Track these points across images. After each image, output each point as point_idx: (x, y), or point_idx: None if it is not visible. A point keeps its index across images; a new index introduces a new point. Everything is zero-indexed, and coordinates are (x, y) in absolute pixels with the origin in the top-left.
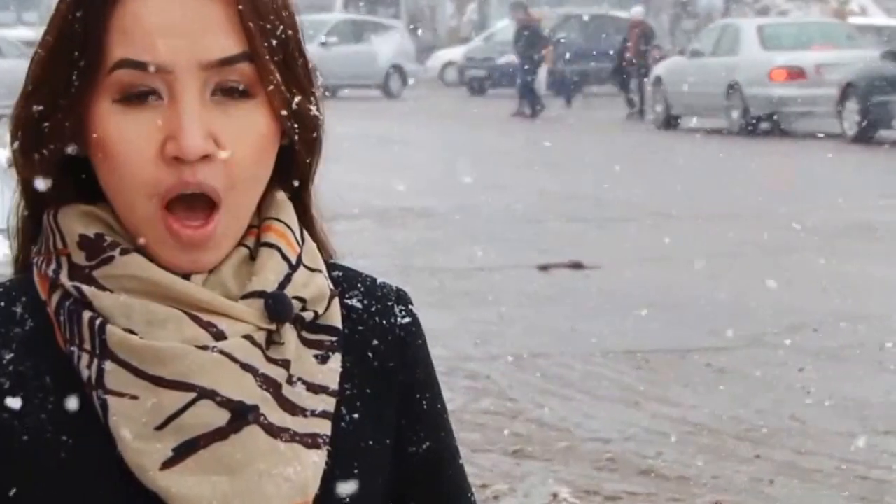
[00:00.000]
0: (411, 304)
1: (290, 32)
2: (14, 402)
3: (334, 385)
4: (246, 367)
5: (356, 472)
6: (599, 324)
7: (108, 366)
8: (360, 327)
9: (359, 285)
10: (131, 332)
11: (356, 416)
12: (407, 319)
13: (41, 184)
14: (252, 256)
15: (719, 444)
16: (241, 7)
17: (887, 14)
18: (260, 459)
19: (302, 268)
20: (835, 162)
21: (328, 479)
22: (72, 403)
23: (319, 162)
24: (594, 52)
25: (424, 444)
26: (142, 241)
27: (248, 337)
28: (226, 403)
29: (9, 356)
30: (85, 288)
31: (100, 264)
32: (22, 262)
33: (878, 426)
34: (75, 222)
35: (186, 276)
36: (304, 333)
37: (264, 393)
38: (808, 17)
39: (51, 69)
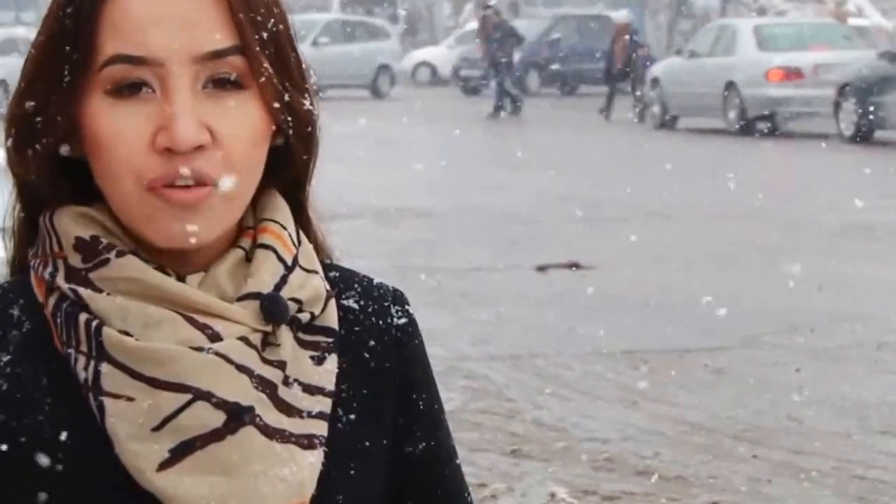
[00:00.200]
0: (408, 304)
1: (280, 27)
2: (12, 405)
3: (330, 386)
4: (241, 369)
5: (353, 472)
6: (597, 324)
7: (105, 368)
8: (357, 328)
9: (355, 286)
10: (127, 333)
11: (353, 416)
12: (403, 320)
13: (37, 186)
14: (248, 258)
15: (717, 444)
16: (230, 0)
17: (884, 15)
18: (256, 460)
19: (298, 269)
20: (832, 162)
21: (325, 480)
22: (69, 405)
23: (316, 161)
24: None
25: (421, 444)
26: (133, 211)
27: (243, 338)
28: (222, 405)
29: (6, 358)
30: (81, 290)
31: (96, 266)
32: (18, 264)
33: (876, 426)
34: (71, 224)
35: (182, 278)
36: (301, 335)
37: (260, 394)
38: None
39: (43, 66)
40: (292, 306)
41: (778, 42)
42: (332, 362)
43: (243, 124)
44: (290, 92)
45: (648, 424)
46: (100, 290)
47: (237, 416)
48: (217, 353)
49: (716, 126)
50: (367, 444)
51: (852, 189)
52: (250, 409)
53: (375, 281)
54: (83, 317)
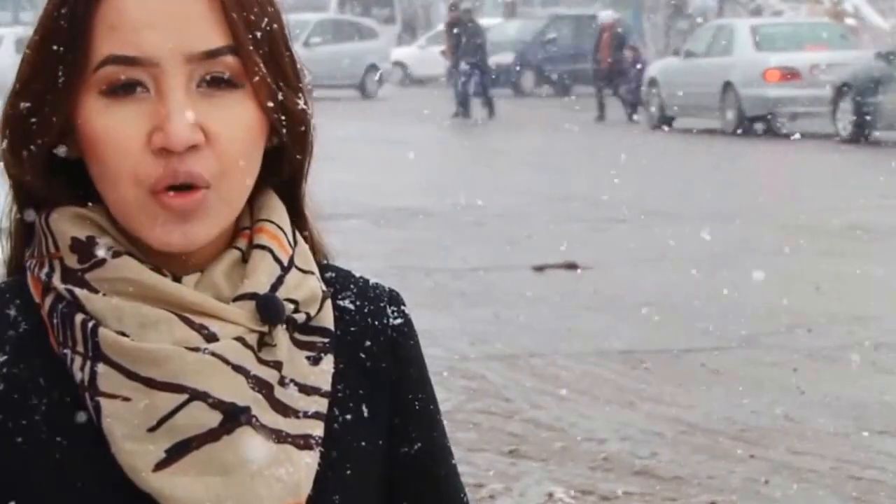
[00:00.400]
0: (403, 304)
1: (274, 26)
2: (8, 405)
3: (327, 386)
4: (238, 369)
5: (349, 472)
6: (594, 324)
7: (101, 368)
8: (353, 328)
9: (351, 286)
10: (123, 334)
11: (349, 416)
12: (399, 320)
13: (32, 187)
14: (244, 259)
15: (714, 444)
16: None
17: (881, 15)
18: (252, 461)
19: (294, 269)
20: (829, 162)
21: (321, 480)
22: (65, 406)
23: (311, 160)
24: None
25: (417, 444)
26: (131, 215)
27: (239, 339)
28: (218, 405)
29: (2, 359)
30: (77, 291)
31: (92, 267)
32: (15, 265)
33: (873, 426)
34: (67, 225)
35: (178, 279)
36: (297, 335)
37: (256, 394)
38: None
39: (38, 67)
40: (288, 307)
41: (775, 42)
42: (328, 363)
43: (238, 124)
44: (284, 91)
45: (646, 424)
46: (96, 291)
47: (233, 417)
48: (213, 354)
49: (713, 126)
50: (364, 444)
51: (850, 189)
52: (246, 409)
53: (371, 281)
54: (79, 317)
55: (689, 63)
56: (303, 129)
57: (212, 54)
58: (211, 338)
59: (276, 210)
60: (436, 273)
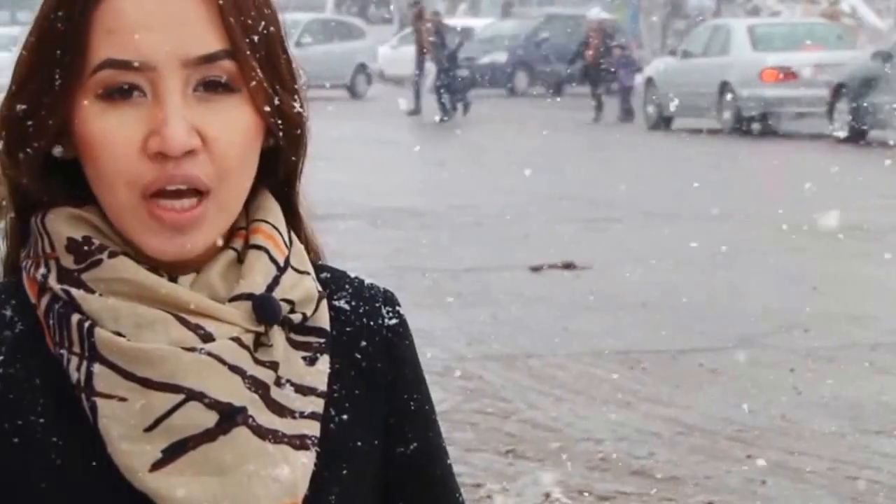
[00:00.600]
0: (398, 305)
1: (271, 29)
2: (4, 406)
3: (322, 386)
4: (234, 369)
5: (345, 472)
6: (591, 324)
7: (97, 368)
8: (348, 329)
9: (346, 286)
10: (120, 334)
11: (344, 417)
12: (394, 320)
13: (28, 188)
14: (240, 259)
15: (711, 445)
16: (221, 3)
17: (878, 15)
18: (249, 461)
19: (290, 270)
20: (826, 162)
21: (317, 480)
22: (61, 406)
23: (305, 161)
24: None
25: (412, 444)
26: (126, 221)
27: (235, 339)
28: (214, 405)
29: None
30: (73, 291)
31: (88, 267)
32: (11, 265)
33: (870, 426)
34: (63, 226)
35: (174, 279)
36: (293, 335)
37: (252, 394)
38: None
39: (34, 69)
40: (284, 307)
41: (772, 42)
42: (323, 363)
43: (234, 127)
44: (281, 94)
45: (643, 425)
46: (92, 291)
47: (230, 417)
48: (209, 354)
49: (710, 126)
50: (359, 444)
51: (847, 189)
52: (243, 409)
53: (366, 282)
54: (75, 317)
55: (687, 63)
56: (298, 131)
57: (209, 59)
58: (207, 338)
59: (272, 210)
60: (433, 273)
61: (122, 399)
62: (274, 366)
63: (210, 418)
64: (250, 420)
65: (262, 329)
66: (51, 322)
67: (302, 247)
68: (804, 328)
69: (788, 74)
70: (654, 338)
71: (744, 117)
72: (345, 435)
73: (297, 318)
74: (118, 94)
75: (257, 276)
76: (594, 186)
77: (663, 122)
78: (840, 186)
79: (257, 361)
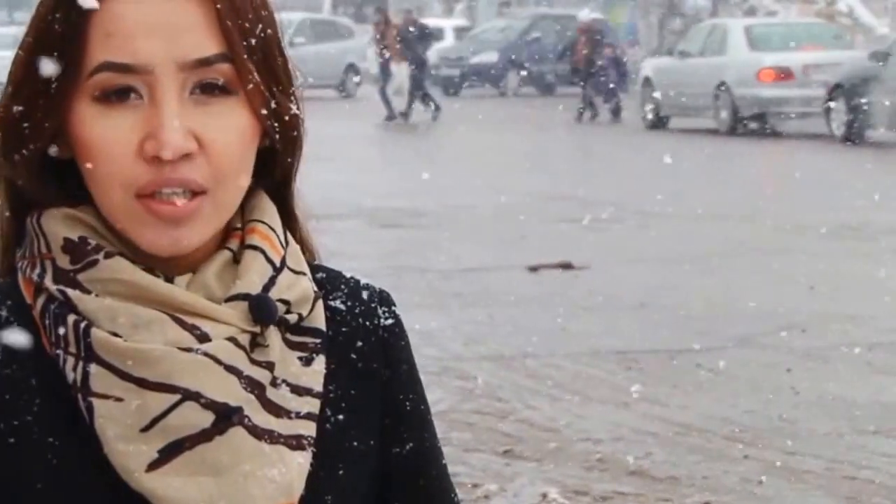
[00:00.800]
0: (394, 305)
1: (269, 31)
2: (0, 406)
3: (318, 387)
4: (230, 369)
5: (341, 472)
6: (589, 324)
7: (94, 368)
8: (344, 329)
9: (342, 287)
10: (116, 334)
11: (340, 417)
12: (390, 321)
13: (24, 189)
14: (236, 259)
15: (708, 445)
16: (219, 7)
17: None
18: (245, 461)
19: (286, 270)
20: (823, 162)
21: (313, 480)
22: (58, 406)
23: (300, 161)
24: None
25: (408, 444)
26: (122, 218)
27: (232, 339)
28: (210, 405)
29: None
30: (70, 291)
31: (84, 268)
32: (6, 266)
33: (867, 426)
34: (59, 226)
35: (170, 280)
36: (289, 335)
37: (248, 395)
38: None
39: (31, 71)
40: (280, 307)
41: (769, 42)
42: (319, 363)
43: (230, 130)
44: (278, 97)
45: (640, 425)
46: (88, 292)
47: (226, 417)
48: (206, 354)
49: (707, 126)
50: (355, 444)
51: (844, 189)
52: (239, 409)
53: (362, 282)
54: (71, 318)
55: (684, 63)
56: (295, 133)
57: (206, 62)
58: (203, 338)
59: (268, 211)
60: (430, 273)
61: (119, 399)
62: (270, 366)
63: (206, 418)
64: (246, 420)
65: (258, 329)
66: (47, 322)
67: (298, 247)
68: (801, 328)
69: (785, 74)
70: (652, 338)
71: (741, 117)
72: (341, 435)
73: (293, 318)
74: (115, 97)
75: (253, 277)
76: (591, 186)
77: (660, 121)
78: (837, 186)
79: (253, 362)
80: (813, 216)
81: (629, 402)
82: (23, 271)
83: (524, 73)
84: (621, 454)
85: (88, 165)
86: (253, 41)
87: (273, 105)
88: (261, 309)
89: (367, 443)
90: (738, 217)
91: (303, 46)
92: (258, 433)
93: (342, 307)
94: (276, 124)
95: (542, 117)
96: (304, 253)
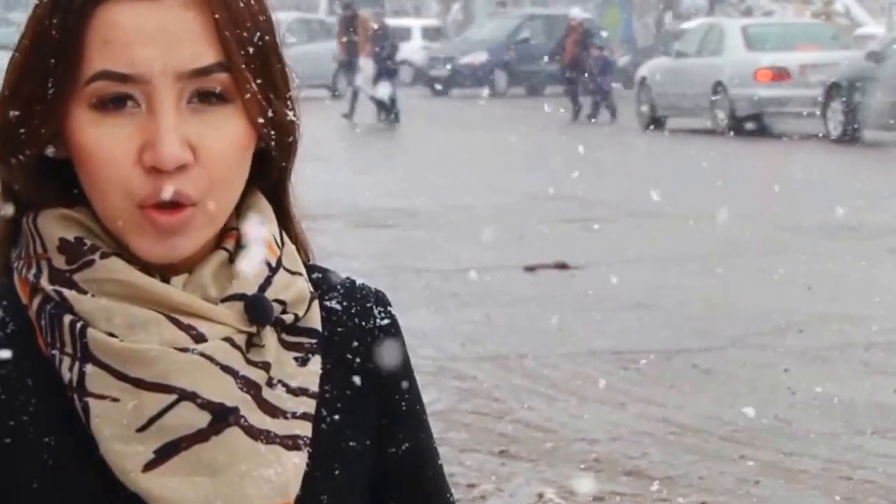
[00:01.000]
0: (390, 305)
1: (266, 38)
2: None
3: (314, 387)
4: (226, 370)
5: (337, 473)
6: (585, 324)
7: (90, 369)
8: (340, 329)
9: (338, 287)
10: (112, 335)
11: (336, 417)
12: (386, 321)
13: (21, 191)
14: (232, 259)
15: (705, 445)
16: (217, 16)
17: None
18: (241, 461)
19: (282, 270)
20: (820, 162)
21: (309, 481)
22: (54, 406)
23: (294, 161)
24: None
25: (404, 444)
26: (119, 224)
27: (228, 339)
28: (206, 405)
29: None
30: (66, 292)
31: (80, 268)
32: (2, 266)
33: (864, 427)
34: (55, 226)
35: (166, 280)
36: (284, 336)
37: (244, 395)
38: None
39: (27, 75)
40: (276, 307)
41: (766, 42)
42: (315, 363)
43: (227, 139)
44: (274, 104)
45: (637, 425)
46: (84, 292)
47: (222, 417)
48: (202, 354)
49: (704, 126)
50: (351, 444)
51: (840, 189)
52: (235, 409)
53: (358, 282)
54: (67, 318)
55: (680, 63)
56: (290, 139)
57: (203, 72)
58: (199, 338)
59: (264, 211)
60: (427, 273)
61: (115, 399)
62: (266, 366)
63: (202, 419)
64: (242, 420)
65: (254, 330)
66: (43, 323)
67: (294, 247)
68: (798, 328)
69: (782, 74)
70: (648, 338)
71: (737, 117)
72: (336, 435)
73: (288, 318)
74: (112, 105)
75: (249, 277)
76: (588, 187)
77: (657, 122)
78: (834, 186)
79: (249, 362)
80: (810, 216)
81: (626, 402)
82: (18, 271)
83: (513, 73)
84: (618, 454)
85: (87, 171)
86: (251, 49)
87: (270, 114)
88: (256, 309)
89: (362, 443)
90: (735, 217)
91: (294, 46)
92: (254, 433)
93: (338, 307)
94: (272, 132)
95: (534, 117)
96: (299, 253)
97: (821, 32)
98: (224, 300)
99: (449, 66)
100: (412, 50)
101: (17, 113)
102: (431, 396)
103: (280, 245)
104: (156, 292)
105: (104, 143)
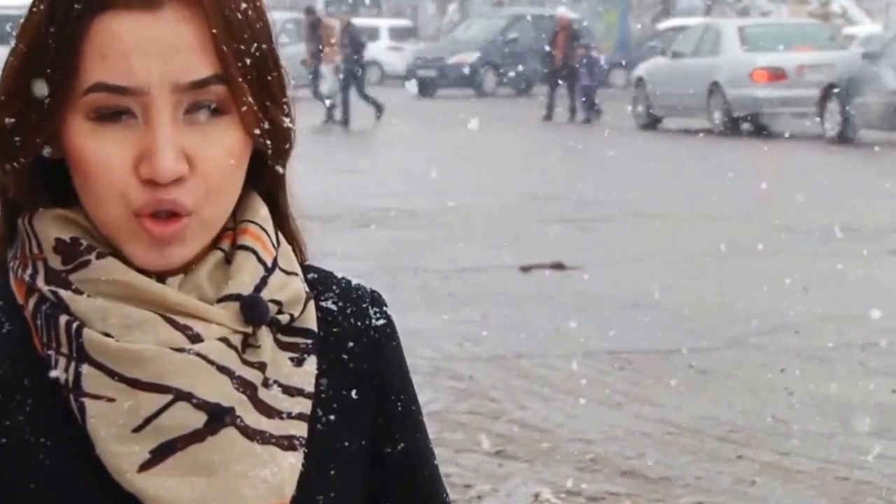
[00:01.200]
0: (386, 305)
1: (264, 47)
2: None
3: (310, 387)
4: (222, 370)
5: (332, 473)
6: (582, 324)
7: (85, 369)
8: (336, 329)
9: (334, 287)
10: (108, 335)
11: (332, 417)
12: (381, 321)
13: (17, 196)
14: (228, 259)
15: (701, 445)
16: (214, 31)
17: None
18: (237, 461)
19: (278, 270)
20: (817, 163)
21: (304, 481)
22: (49, 407)
23: (290, 163)
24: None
25: (400, 445)
26: (114, 231)
27: (224, 339)
28: (202, 405)
29: None
30: (62, 292)
31: (76, 268)
32: None
33: (861, 427)
34: (51, 227)
35: (162, 280)
36: (280, 336)
37: (240, 395)
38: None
39: (23, 83)
40: (272, 308)
41: (762, 42)
42: (311, 364)
43: (223, 150)
44: (271, 112)
45: (633, 425)
46: (80, 292)
47: (218, 417)
48: (197, 354)
49: (700, 126)
50: (347, 444)
51: (837, 189)
52: (231, 410)
53: (354, 282)
54: (63, 318)
55: (677, 63)
56: (287, 146)
57: (200, 84)
58: (195, 338)
59: (259, 211)
60: (424, 273)
61: (111, 400)
62: (261, 366)
63: (198, 419)
64: (238, 420)
65: (249, 330)
66: (38, 323)
67: (289, 248)
68: (795, 328)
69: (778, 75)
70: (645, 338)
71: (734, 117)
72: (332, 436)
73: (284, 318)
74: (108, 116)
75: (245, 277)
76: (584, 186)
77: (653, 122)
78: (830, 186)
79: (245, 362)
80: (806, 216)
81: (622, 402)
82: (14, 272)
83: (502, 72)
84: (614, 454)
85: (83, 178)
86: (248, 60)
87: (266, 125)
88: (252, 309)
89: (358, 443)
90: (732, 217)
91: (288, 46)
92: (250, 434)
93: (334, 308)
94: (268, 141)
95: (525, 117)
96: (295, 253)
97: (817, 33)
98: (220, 300)
99: (437, 67)
100: (379, 50)
101: (12, 120)
102: (428, 396)
103: (276, 245)
104: (152, 292)
105: (101, 152)
